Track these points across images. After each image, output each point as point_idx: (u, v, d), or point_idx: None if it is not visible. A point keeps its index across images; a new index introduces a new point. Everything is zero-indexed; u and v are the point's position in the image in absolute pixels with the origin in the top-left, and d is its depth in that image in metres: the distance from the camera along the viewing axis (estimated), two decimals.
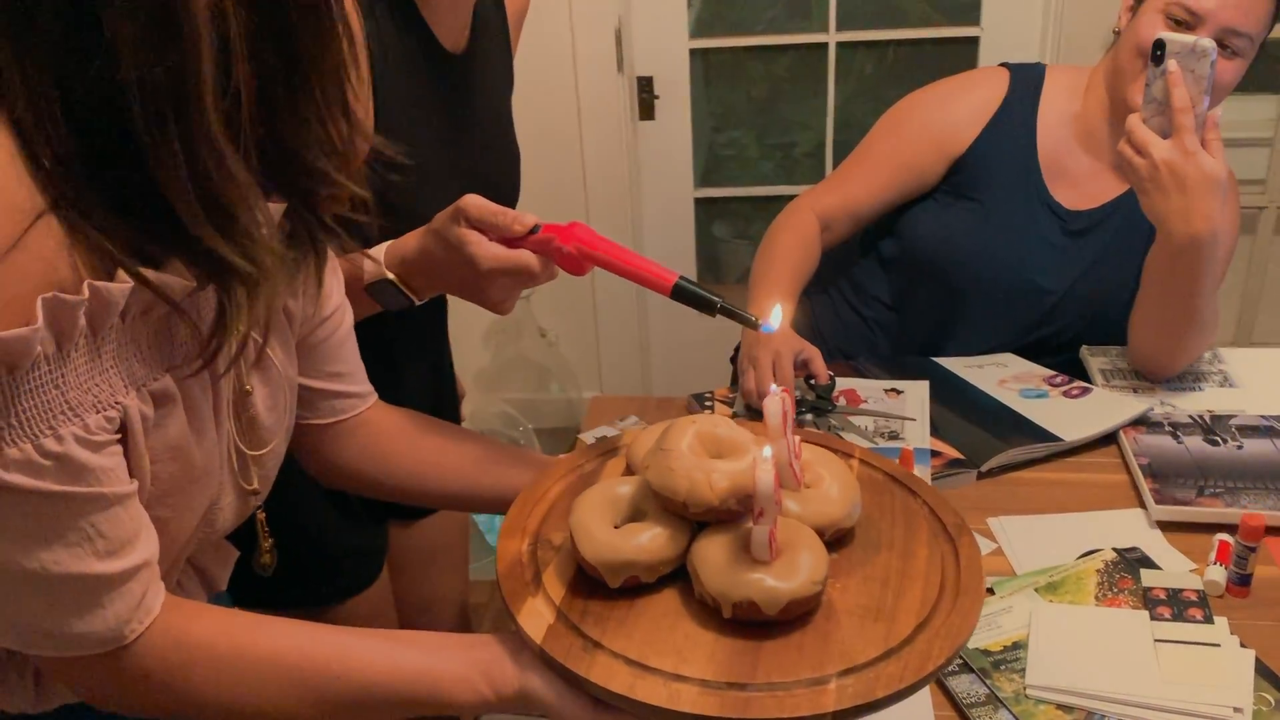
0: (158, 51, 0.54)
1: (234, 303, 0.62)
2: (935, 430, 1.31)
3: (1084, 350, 1.50)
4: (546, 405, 2.85)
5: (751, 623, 0.70)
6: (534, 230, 0.86)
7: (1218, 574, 1.04)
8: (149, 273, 0.60)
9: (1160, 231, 1.28)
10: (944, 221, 1.50)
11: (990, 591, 1.03)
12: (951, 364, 1.48)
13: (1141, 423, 1.31)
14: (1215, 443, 1.26)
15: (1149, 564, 1.07)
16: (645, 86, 2.55)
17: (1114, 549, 1.09)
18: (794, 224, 1.52)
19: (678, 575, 0.75)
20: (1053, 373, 1.43)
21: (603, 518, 0.75)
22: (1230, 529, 1.07)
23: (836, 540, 0.79)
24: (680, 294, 0.81)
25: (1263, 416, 1.31)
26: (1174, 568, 1.07)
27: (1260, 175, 2.39)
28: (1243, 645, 0.95)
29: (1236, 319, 2.46)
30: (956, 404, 1.37)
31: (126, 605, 0.65)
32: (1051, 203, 1.47)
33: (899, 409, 1.35)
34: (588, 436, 1.38)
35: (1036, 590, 1.04)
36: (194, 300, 0.64)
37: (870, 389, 1.40)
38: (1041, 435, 1.28)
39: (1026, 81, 1.49)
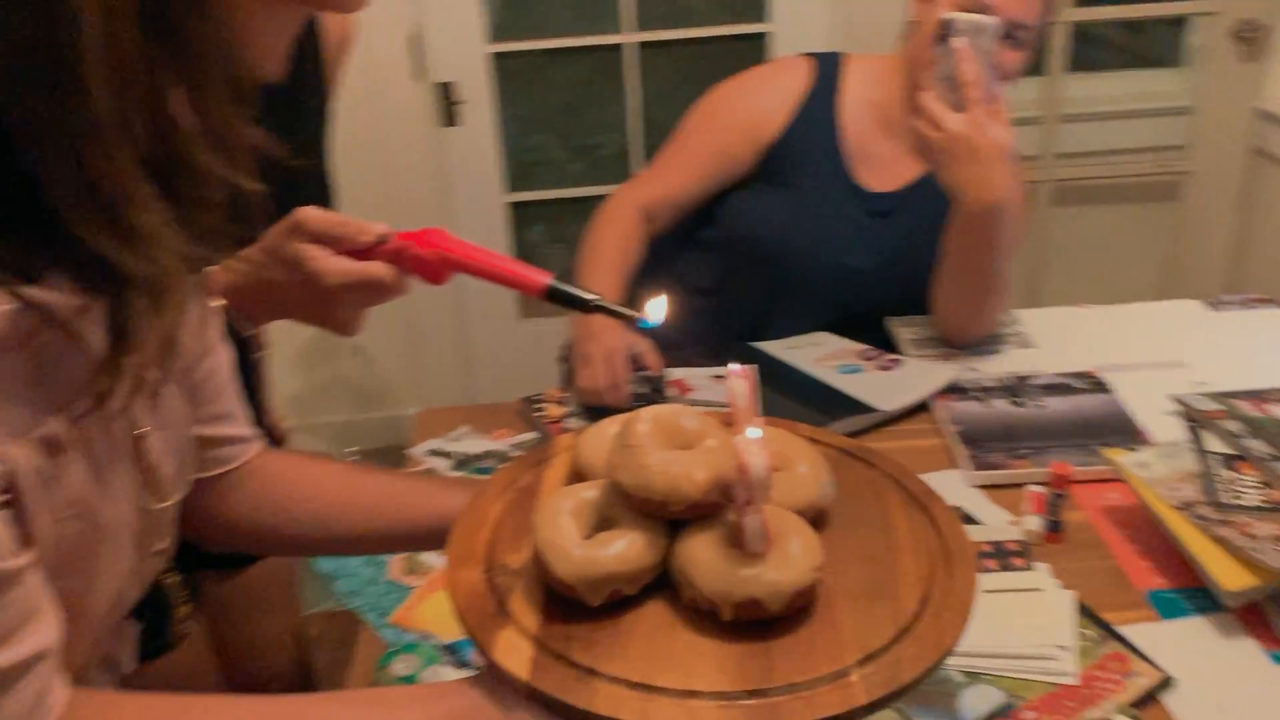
0: (35, 11, 0.46)
1: (133, 318, 0.53)
2: (763, 412, 1.33)
3: (892, 322, 1.57)
4: (368, 425, 2.76)
5: (754, 622, 0.66)
6: (383, 240, 0.80)
7: (1034, 523, 1.10)
8: (31, 290, 0.50)
9: (957, 201, 1.35)
10: (759, 208, 1.54)
11: None
12: (770, 347, 1.52)
13: (952, 390, 1.37)
14: (1020, 404, 1.34)
15: (971, 520, 1.13)
16: (447, 93, 2.51)
17: None
18: (616, 218, 1.53)
19: (659, 583, 0.69)
20: (865, 347, 1.49)
21: (570, 531, 0.68)
22: (1041, 482, 1.14)
23: (812, 523, 0.74)
24: (554, 295, 0.77)
25: (1058, 374, 1.39)
26: (994, 522, 1.13)
27: (1035, 152, 2.56)
28: (1063, 587, 1.01)
29: (1027, 285, 2.63)
30: (780, 385, 1.40)
31: (20, 706, 0.54)
32: (855, 186, 1.53)
33: (717, 394, 1.37)
34: (418, 452, 1.34)
35: None
36: (84, 322, 0.55)
37: (698, 377, 1.42)
38: (861, 408, 1.33)
39: (828, 70, 1.55)
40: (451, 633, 1.00)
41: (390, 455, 2.71)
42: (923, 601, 0.68)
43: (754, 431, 0.65)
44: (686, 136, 1.57)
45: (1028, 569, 1.03)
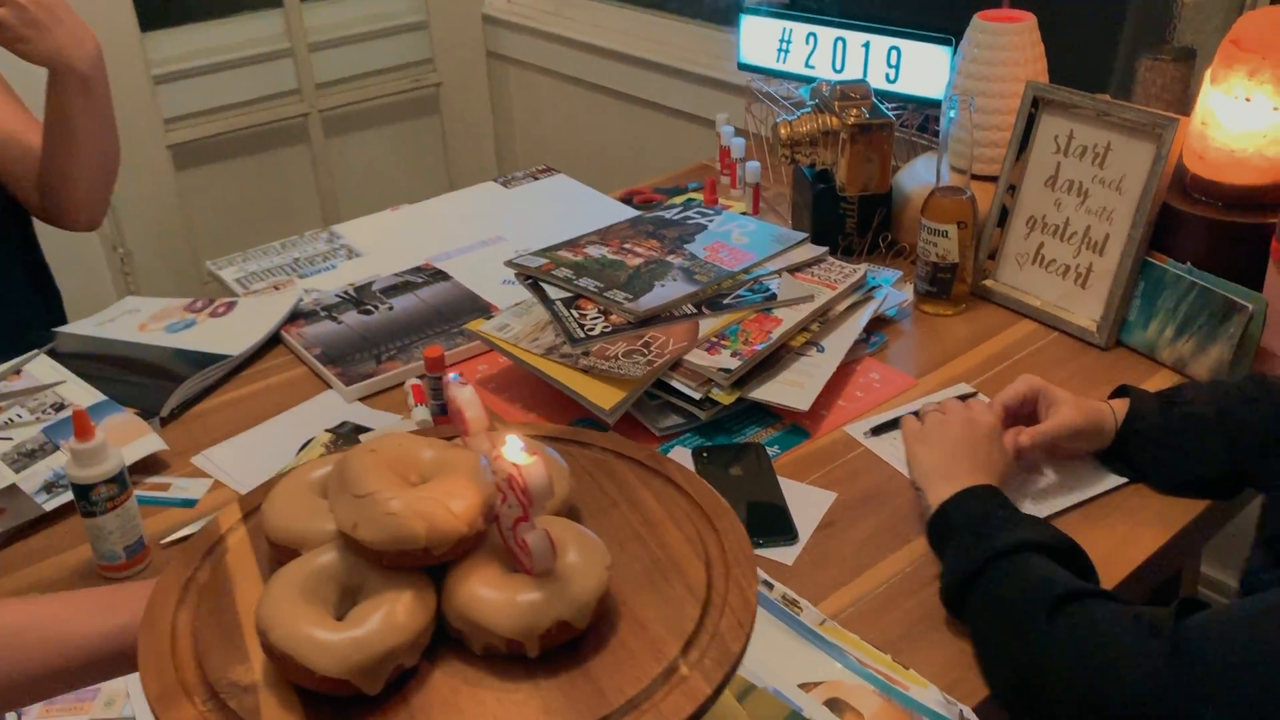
0: None
1: None
2: (103, 401, 1.14)
3: (209, 265, 1.44)
4: None
5: (559, 648, 0.57)
6: None
7: (423, 413, 1.09)
8: None
9: (62, 69, 1.23)
10: None
11: None
12: (80, 328, 1.30)
13: (298, 317, 1.30)
14: (369, 311, 1.31)
15: (364, 429, 1.08)
16: None
17: (326, 430, 1.08)
18: None
19: (435, 638, 0.57)
20: (192, 299, 1.34)
21: (315, 617, 0.54)
22: (418, 375, 1.13)
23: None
24: None
25: (395, 275, 1.39)
26: (388, 424, 1.10)
27: (294, 85, 2.51)
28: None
29: (323, 213, 2.60)
30: (109, 364, 1.21)
31: None
32: None
33: (34, 383, 1.15)
34: None
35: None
36: None
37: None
38: (207, 360, 1.20)
39: None
40: None
41: None
42: (707, 565, 0.63)
43: (514, 440, 0.56)
44: None
45: None
